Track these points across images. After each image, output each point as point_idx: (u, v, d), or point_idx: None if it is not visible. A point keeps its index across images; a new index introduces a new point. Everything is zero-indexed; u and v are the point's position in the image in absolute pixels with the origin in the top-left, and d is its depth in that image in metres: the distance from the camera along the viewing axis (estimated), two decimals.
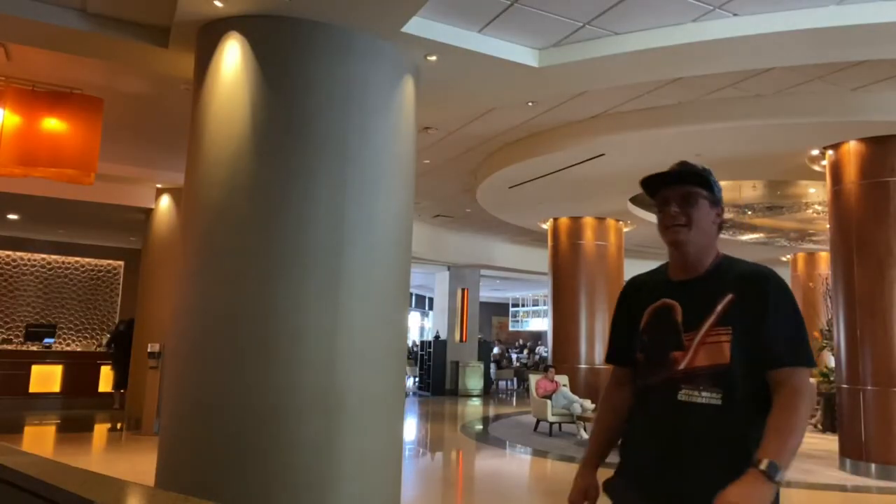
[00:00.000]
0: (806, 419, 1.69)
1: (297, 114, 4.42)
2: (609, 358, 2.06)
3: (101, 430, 10.23)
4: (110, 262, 14.75)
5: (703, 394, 1.73)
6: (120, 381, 11.34)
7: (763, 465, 1.59)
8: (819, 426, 11.20)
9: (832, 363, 9.45)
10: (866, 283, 7.12)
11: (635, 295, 1.99)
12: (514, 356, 24.99)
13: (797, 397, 1.68)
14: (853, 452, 7.16)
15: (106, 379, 12.62)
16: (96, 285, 14.62)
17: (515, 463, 8.80)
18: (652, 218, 11.50)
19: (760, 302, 1.74)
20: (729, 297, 1.76)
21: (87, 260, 14.56)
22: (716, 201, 1.87)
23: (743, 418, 1.71)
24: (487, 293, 19.92)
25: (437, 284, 18.36)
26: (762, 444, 1.62)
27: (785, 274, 15.48)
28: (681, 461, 1.74)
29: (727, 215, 10.85)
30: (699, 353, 1.75)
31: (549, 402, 9.86)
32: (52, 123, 5.96)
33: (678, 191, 1.84)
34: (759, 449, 1.61)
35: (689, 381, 1.75)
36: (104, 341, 13.15)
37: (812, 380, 12.27)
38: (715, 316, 1.76)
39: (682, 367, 1.77)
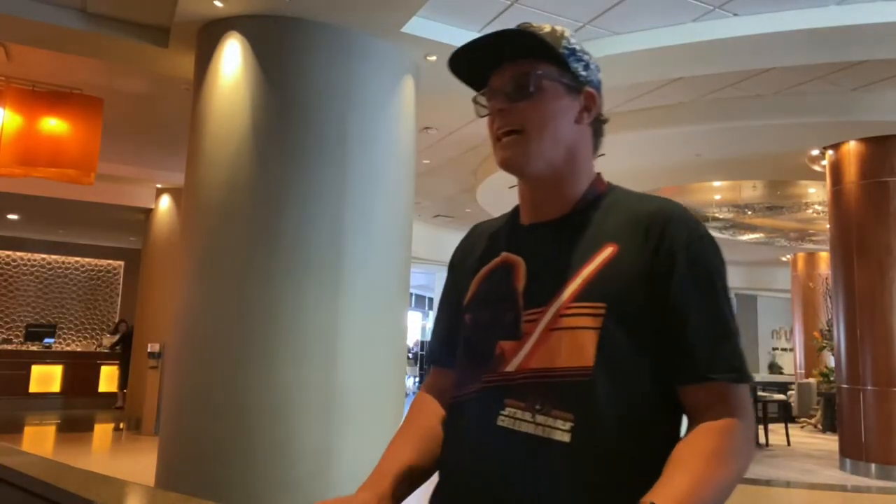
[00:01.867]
0: (744, 458, 0.97)
1: (297, 114, 4.42)
2: (430, 356, 1.28)
3: (101, 430, 10.23)
4: (110, 262, 14.76)
5: (540, 419, 0.98)
6: (127, 380, 11.40)
7: None
8: (819, 426, 11.22)
9: (832, 363, 9.46)
10: (866, 283, 7.12)
11: (470, 251, 1.23)
12: None
13: (731, 425, 0.96)
14: (853, 452, 7.16)
15: (106, 379, 12.64)
16: (96, 285, 14.62)
17: None
18: None
19: (662, 263, 1.01)
20: (608, 250, 1.03)
21: (87, 260, 14.57)
22: (578, 85, 1.12)
23: (609, 468, 0.97)
24: None
25: (437, 284, 18.37)
26: (656, 484, 0.90)
27: (785, 274, 15.46)
28: None
29: (726, 215, 10.81)
30: (543, 346, 1.01)
31: None
32: (52, 123, 5.96)
33: (508, 73, 1.10)
34: (649, 491, 0.89)
35: (518, 395, 1.01)
36: (107, 342, 13.15)
37: (812, 380, 12.32)
38: (579, 283, 1.02)
39: (509, 367, 1.03)
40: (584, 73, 1.13)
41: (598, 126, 1.18)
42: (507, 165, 1.10)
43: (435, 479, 1.15)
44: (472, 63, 1.13)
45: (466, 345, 1.14)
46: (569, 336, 1.00)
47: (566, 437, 0.96)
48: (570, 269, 1.04)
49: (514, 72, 1.09)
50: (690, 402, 1.00)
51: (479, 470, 1.03)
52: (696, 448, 0.95)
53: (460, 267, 1.24)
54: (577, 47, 1.14)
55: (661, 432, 1.01)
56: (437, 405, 1.21)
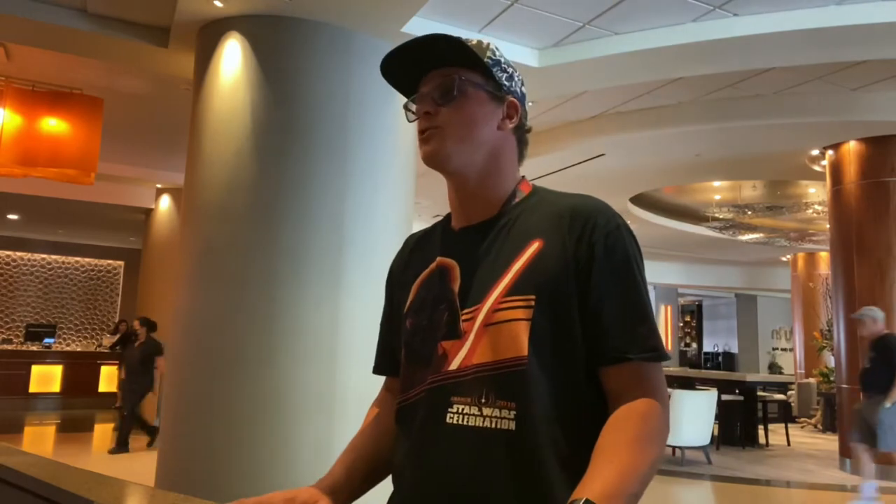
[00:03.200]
0: (661, 440, 1.03)
1: (297, 114, 4.42)
2: (376, 366, 1.36)
3: (101, 430, 10.22)
4: (110, 262, 14.77)
5: (487, 411, 1.03)
6: None
7: None
8: (819, 426, 11.22)
9: (832, 363, 9.46)
10: (866, 283, 7.12)
11: (407, 262, 1.30)
12: None
13: (649, 407, 1.02)
14: (853, 452, 7.15)
15: (106, 379, 12.64)
16: (96, 285, 14.62)
17: None
18: (654, 218, 11.47)
19: (583, 252, 1.07)
20: (534, 245, 1.09)
21: (87, 260, 14.58)
22: (501, 94, 1.17)
23: (554, 454, 1.02)
24: None
25: None
26: (584, 477, 0.95)
27: (785, 274, 15.45)
28: None
29: (726, 215, 10.82)
30: (482, 341, 1.07)
31: None
32: (52, 123, 5.97)
33: (434, 79, 1.15)
34: (578, 486, 0.93)
35: (463, 391, 1.06)
36: (106, 342, 13.15)
37: (812, 380, 12.32)
38: (510, 278, 1.08)
39: (452, 366, 1.08)
40: (507, 83, 1.18)
41: (521, 135, 1.22)
42: (429, 158, 1.15)
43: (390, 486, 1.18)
44: (403, 71, 1.18)
45: (408, 349, 1.18)
46: (504, 329, 1.06)
47: (511, 426, 1.02)
48: (501, 266, 1.10)
49: (440, 77, 1.15)
50: (610, 384, 1.06)
51: (431, 470, 1.07)
52: (618, 436, 1.00)
53: (398, 278, 1.30)
54: (502, 60, 1.19)
55: (601, 419, 1.03)
56: (387, 413, 1.25)
